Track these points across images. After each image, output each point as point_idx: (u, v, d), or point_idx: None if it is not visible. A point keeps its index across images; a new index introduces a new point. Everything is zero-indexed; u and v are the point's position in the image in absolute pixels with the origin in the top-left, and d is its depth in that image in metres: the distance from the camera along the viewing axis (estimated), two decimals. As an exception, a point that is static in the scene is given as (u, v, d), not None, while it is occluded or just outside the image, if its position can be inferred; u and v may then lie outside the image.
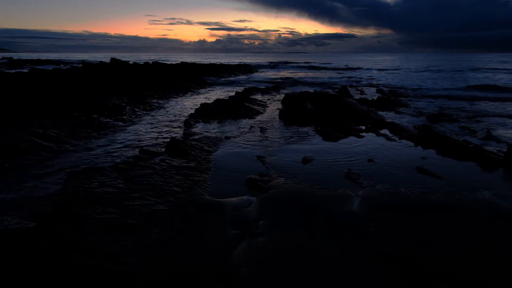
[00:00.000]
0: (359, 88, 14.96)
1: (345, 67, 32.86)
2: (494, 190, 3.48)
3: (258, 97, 11.36)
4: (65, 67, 20.31)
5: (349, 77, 20.80)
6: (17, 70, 18.50)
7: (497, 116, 7.96)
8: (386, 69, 29.08)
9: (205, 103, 8.44)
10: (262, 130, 6.37)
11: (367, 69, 30.44)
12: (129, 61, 23.09)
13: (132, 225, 2.68)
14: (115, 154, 4.77)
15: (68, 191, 3.13)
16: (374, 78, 20.86)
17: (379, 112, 8.31)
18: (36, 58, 41.15)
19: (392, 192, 3.41)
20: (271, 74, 24.88)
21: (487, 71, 22.21)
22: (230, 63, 32.06)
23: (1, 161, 4.11)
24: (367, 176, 3.90)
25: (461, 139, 5.35)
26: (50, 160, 4.45)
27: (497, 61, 44.21)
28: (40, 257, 2.22)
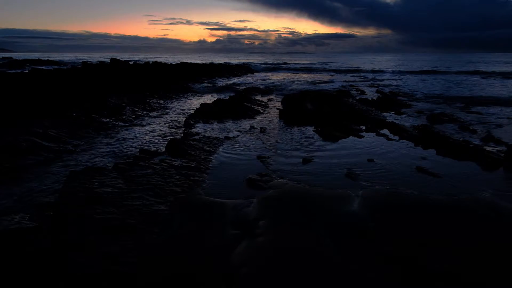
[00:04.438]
0: (359, 88, 14.95)
1: (346, 68, 32.79)
2: (494, 190, 3.47)
3: (258, 97, 11.36)
4: (65, 67, 20.30)
5: (349, 80, 20.77)
6: (17, 70, 18.52)
7: (497, 117, 7.95)
8: (387, 70, 29.04)
9: (205, 103, 8.44)
10: (262, 130, 6.37)
11: (368, 70, 30.38)
12: (129, 61, 23.10)
13: (132, 225, 2.68)
14: (115, 154, 4.77)
15: (68, 191, 3.13)
16: (376, 79, 20.85)
17: (379, 112, 8.31)
18: (36, 58, 41.10)
19: (392, 192, 3.41)
20: (271, 75, 24.89)
21: (487, 75, 22.14)
22: (230, 63, 32.05)
23: (1, 161, 4.11)
24: (367, 176, 3.90)
25: (461, 139, 5.35)
26: (50, 160, 4.46)
27: (499, 62, 44.19)
28: (40, 257, 2.22)
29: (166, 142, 5.03)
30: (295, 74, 25.76)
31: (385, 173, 4.01)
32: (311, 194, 3.36)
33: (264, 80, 19.40)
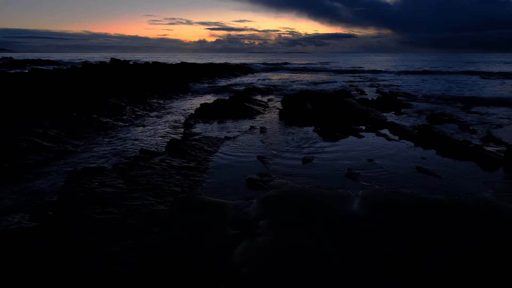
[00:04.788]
0: (359, 88, 14.94)
1: (346, 68, 32.74)
2: (494, 190, 3.47)
3: (258, 97, 11.36)
4: (65, 67, 20.31)
5: (349, 80, 20.76)
6: (17, 70, 18.52)
7: (497, 117, 7.95)
8: (387, 70, 29.01)
9: (205, 103, 8.44)
10: (262, 130, 6.37)
11: (368, 70, 30.36)
12: (129, 61, 23.11)
13: (132, 225, 2.68)
14: (115, 154, 4.77)
15: (68, 191, 3.13)
16: (375, 79, 20.83)
17: (379, 112, 8.31)
18: (36, 58, 41.10)
19: (392, 192, 3.41)
20: (271, 75, 24.88)
21: (487, 75, 22.11)
22: (230, 63, 32.03)
23: (1, 161, 4.11)
24: (367, 176, 3.90)
25: (461, 139, 5.35)
26: (50, 160, 4.46)
27: (499, 62, 44.17)
28: (40, 257, 2.22)
29: (166, 142, 5.03)
30: (295, 74, 25.75)
31: (385, 173, 4.01)
32: (311, 194, 3.36)
33: (264, 80, 19.39)
